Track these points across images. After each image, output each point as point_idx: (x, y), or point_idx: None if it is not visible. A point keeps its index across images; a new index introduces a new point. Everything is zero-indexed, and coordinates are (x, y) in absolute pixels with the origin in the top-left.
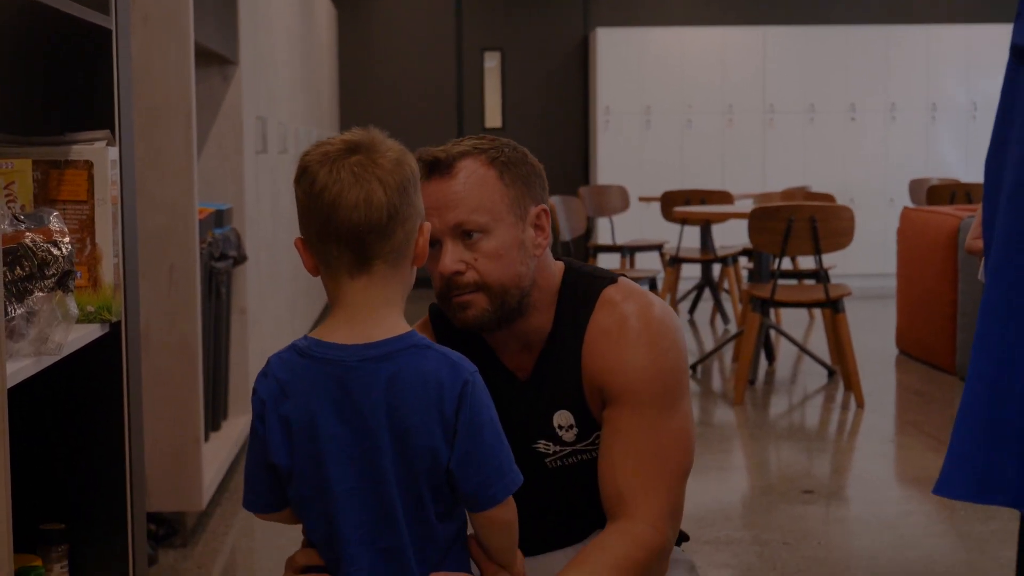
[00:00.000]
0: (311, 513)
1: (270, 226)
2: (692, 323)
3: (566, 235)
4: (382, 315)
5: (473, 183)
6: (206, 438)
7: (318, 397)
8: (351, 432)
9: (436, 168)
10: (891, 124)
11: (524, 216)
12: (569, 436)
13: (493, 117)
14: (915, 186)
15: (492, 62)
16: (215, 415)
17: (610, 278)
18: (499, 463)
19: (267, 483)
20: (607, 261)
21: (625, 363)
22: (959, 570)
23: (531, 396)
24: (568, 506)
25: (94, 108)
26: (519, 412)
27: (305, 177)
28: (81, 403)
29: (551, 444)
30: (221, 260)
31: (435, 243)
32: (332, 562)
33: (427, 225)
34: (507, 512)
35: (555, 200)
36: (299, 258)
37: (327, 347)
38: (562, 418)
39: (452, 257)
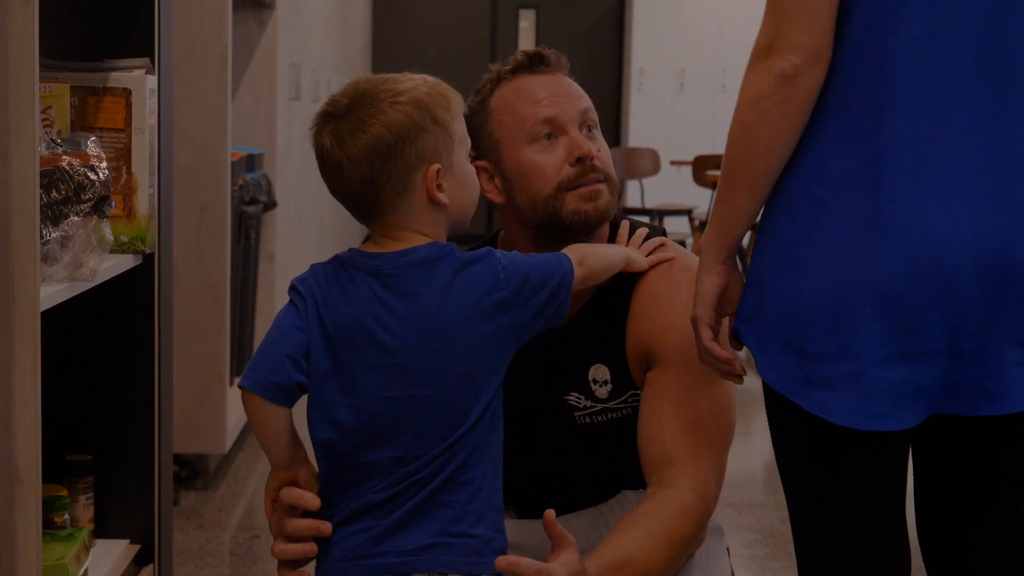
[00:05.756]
0: (338, 421)
1: (300, 174)
2: None
3: None
4: (407, 235)
5: (578, 85)
6: (230, 382)
7: (360, 304)
8: (393, 338)
9: (544, 62)
10: None
11: None
12: (602, 392)
13: None
14: None
15: (527, 21)
16: (239, 360)
17: (660, 237)
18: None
19: (294, 368)
20: None
21: (676, 327)
22: None
23: (568, 345)
24: (594, 465)
25: (133, 37)
26: (554, 360)
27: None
28: (111, 334)
29: (582, 398)
30: (251, 204)
31: (551, 136)
32: (344, 479)
33: (434, 167)
34: (581, 267)
35: None
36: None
37: (367, 256)
38: (598, 372)
39: (588, 144)
